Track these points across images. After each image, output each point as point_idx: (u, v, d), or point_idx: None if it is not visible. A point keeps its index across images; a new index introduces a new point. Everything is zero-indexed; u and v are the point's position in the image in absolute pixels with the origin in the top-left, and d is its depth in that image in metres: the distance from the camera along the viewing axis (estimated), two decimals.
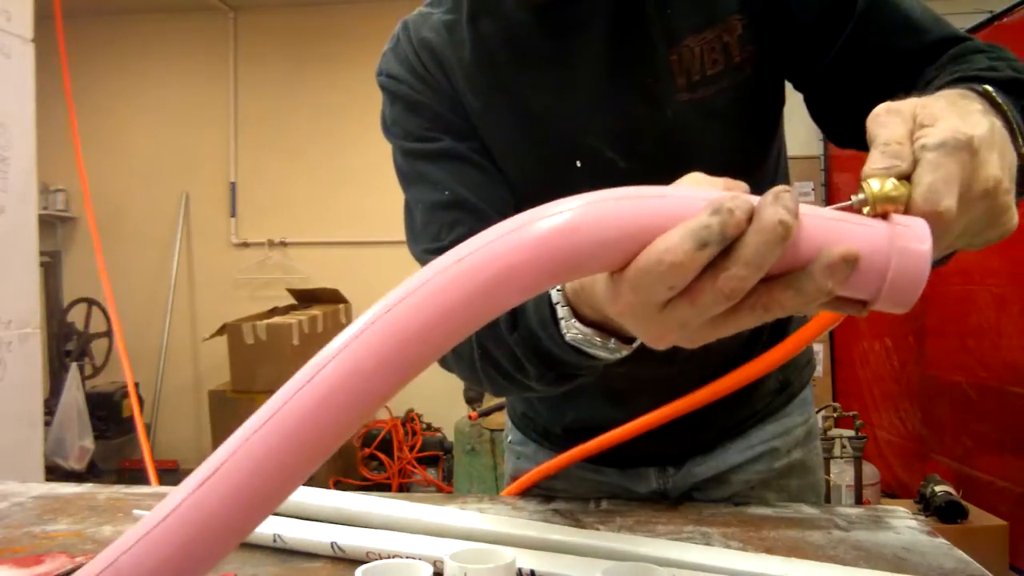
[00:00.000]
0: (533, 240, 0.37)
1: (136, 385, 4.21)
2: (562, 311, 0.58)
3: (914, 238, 0.39)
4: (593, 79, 0.75)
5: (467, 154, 0.79)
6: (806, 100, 0.78)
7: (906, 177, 0.42)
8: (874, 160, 0.43)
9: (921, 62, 0.68)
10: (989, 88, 0.51)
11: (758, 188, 0.90)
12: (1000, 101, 0.50)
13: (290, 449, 0.35)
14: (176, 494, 0.35)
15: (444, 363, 0.73)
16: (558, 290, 0.59)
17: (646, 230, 0.39)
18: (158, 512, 0.35)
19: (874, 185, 0.41)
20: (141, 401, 4.25)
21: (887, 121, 0.45)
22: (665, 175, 0.76)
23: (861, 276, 0.38)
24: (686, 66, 0.73)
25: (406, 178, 0.82)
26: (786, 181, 0.89)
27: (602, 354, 0.58)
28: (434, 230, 0.77)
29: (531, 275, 0.38)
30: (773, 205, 0.37)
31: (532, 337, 0.63)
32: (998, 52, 0.64)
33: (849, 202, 0.41)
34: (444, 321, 0.37)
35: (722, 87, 0.74)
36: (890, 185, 0.41)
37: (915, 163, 0.42)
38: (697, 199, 0.39)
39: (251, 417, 0.36)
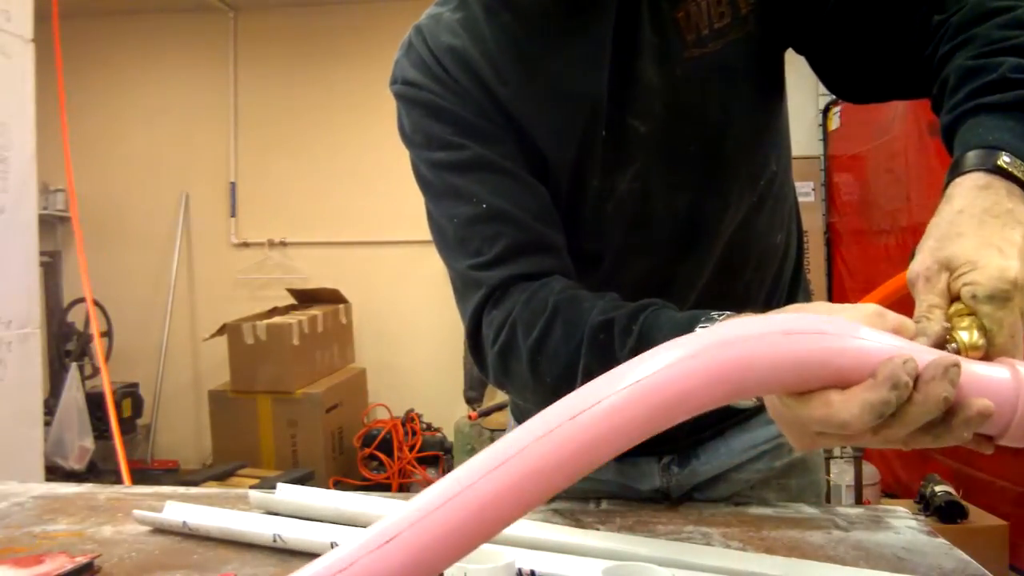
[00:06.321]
0: (704, 370, 0.42)
1: (135, 385, 4.23)
2: None
3: None
4: (609, 46, 0.75)
5: (498, 162, 0.76)
6: (812, 59, 0.79)
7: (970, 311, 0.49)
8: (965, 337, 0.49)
9: (925, 4, 0.68)
10: (1005, 163, 0.54)
11: (770, 152, 0.91)
12: (1019, 175, 0.54)
13: (459, 531, 0.40)
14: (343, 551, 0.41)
15: (535, 372, 0.71)
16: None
17: (816, 367, 0.44)
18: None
19: (964, 337, 0.48)
20: (141, 401, 4.26)
21: (923, 285, 0.52)
22: (681, 137, 0.77)
23: (991, 420, 0.45)
24: (694, 21, 0.75)
25: (434, 191, 0.79)
26: (789, 153, 0.89)
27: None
28: (475, 245, 0.75)
29: (701, 400, 0.42)
30: (942, 381, 0.42)
31: None
32: (1010, 11, 0.63)
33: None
34: (618, 435, 0.41)
35: (730, 40, 0.75)
36: (976, 335, 0.48)
37: (973, 311, 0.49)
38: (872, 350, 0.43)
39: (427, 491, 0.41)
